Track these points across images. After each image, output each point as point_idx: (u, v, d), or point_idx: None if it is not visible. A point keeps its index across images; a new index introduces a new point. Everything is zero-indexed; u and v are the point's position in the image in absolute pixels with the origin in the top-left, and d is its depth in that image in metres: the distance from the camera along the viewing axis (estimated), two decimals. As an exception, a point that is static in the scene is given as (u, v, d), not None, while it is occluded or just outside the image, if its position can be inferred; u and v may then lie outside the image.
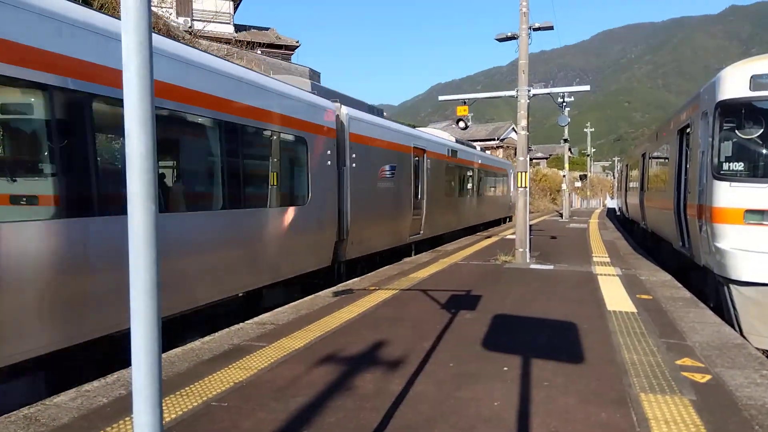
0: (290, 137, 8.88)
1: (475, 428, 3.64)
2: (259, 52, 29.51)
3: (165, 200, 6.44)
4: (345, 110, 10.92)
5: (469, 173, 21.62)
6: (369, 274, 10.60)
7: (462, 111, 13.96)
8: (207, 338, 5.89)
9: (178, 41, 7.65)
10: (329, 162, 10.12)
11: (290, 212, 8.75)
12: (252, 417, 3.82)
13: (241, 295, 7.55)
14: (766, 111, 7.69)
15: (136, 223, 1.53)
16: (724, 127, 8.04)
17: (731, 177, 7.82)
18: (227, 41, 26.71)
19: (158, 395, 1.57)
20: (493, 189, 26.70)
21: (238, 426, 3.68)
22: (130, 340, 1.53)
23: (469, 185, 21.76)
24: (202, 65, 6.72)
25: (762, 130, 7.71)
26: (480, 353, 5.36)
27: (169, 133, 6.63)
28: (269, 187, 8.40)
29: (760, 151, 7.86)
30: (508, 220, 30.01)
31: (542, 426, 3.66)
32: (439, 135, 19.15)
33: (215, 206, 7.06)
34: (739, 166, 7.94)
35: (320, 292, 8.59)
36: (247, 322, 6.64)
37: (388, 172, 13.08)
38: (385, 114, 14.31)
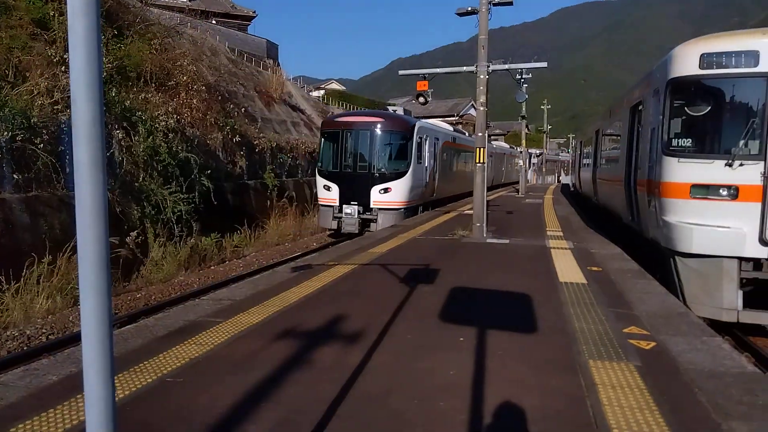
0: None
1: (431, 397, 3.72)
2: (213, 21, 28.58)
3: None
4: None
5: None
6: (328, 250, 10.61)
7: (422, 86, 13.94)
8: (161, 314, 5.79)
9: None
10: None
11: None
12: (208, 392, 3.80)
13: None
14: (713, 89, 7.92)
15: (83, 194, 1.47)
16: (674, 105, 8.24)
17: (680, 153, 8.07)
18: (180, 9, 25.76)
19: (110, 368, 1.54)
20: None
21: (194, 401, 3.66)
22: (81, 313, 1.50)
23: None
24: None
25: (710, 108, 7.94)
26: (437, 325, 5.46)
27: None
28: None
29: (707, 128, 8.13)
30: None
31: (496, 393, 3.77)
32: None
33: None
34: (687, 142, 8.19)
35: (278, 267, 8.55)
36: (202, 298, 6.56)
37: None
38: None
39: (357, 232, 16.44)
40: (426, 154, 19.22)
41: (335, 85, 69.69)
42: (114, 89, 14.72)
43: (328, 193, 17.45)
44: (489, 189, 31.12)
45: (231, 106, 23.28)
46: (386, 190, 16.94)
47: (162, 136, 15.09)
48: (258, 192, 21.49)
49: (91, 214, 1.48)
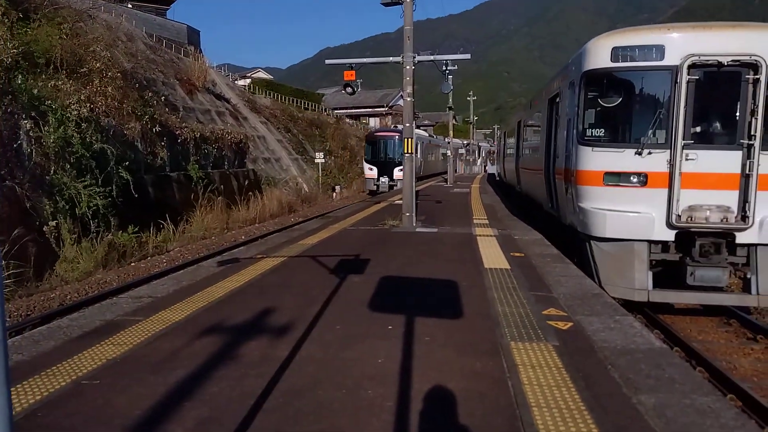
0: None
1: (360, 386, 3.74)
2: (129, 5, 27.18)
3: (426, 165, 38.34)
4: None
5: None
6: (256, 242, 10.41)
7: (349, 76, 13.84)
8: (76, 314, 5.49)
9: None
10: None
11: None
12: (127, 393, 3.64)
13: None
14: (624, 81, 8.32)
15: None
16: (589, 96, 8.59)
17: (594, 142, 8.46)
18: (92, -8, 24.32)
19: (5, 373, 1.44)
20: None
21: (111, 403, 3.49)
22: None
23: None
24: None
25: (621, 99, 8.35)
26: (366, 314, 5.48)
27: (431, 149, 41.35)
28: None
29: (619, 119, 8.55)
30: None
31: (422, 378, 3.84)
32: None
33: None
34: (600, 132, 8.58)
35: (203, 262, 8.31)
36: (121, 296, 6.27)
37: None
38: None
39: (387, 190, 29.54)
40: (418, 150, 30.72)
41: (262, 74, 68.05)
42: (20, 76, 13.71)
43: (371, 171, 31.91)
44: (427, 177, 40.57)
45: (150, 94, 22.27)
46: (401, 170, 28.37)
47: (74, 126, 14.22)
48: (182, 184, 20.72)
49: None
